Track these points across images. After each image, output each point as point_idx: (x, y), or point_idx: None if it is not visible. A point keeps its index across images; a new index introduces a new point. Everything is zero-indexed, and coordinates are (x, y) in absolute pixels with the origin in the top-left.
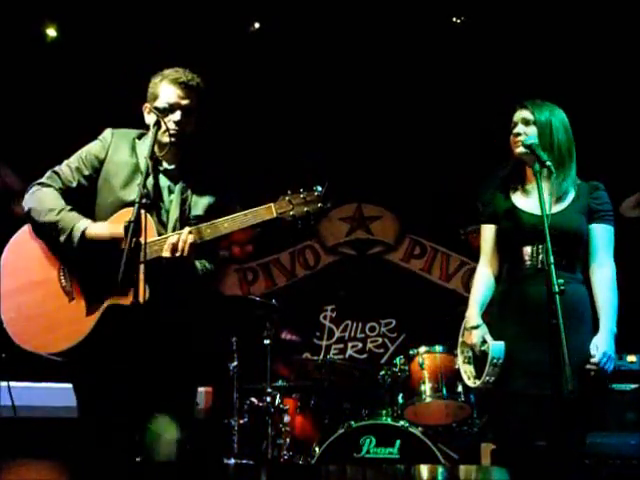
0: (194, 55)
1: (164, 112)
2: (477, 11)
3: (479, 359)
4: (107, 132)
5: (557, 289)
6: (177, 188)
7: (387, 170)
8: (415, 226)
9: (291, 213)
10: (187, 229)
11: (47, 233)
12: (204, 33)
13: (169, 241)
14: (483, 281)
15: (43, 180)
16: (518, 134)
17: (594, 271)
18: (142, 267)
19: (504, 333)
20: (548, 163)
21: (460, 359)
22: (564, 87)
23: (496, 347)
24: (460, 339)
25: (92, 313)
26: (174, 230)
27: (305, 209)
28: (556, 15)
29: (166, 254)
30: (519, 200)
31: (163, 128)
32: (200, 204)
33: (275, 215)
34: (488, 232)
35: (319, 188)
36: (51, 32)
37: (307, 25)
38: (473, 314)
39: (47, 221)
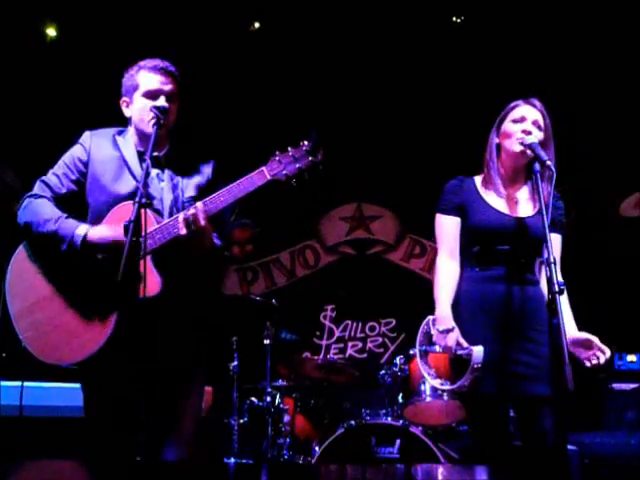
0: (194, 53)
1: (147, 98)
2: (477, 11)
3: (451, 362)
4: (85, 134)
5: (557, 289)
6: (166, 175)
7: (387, 170)
8: (415, 226)
9: (284, 172)
10: (199, 202)
11: (47, 244)
12: (204, 32)
13: (181, 218)
14: (450, 276)
15: (34, 192)
16: (530, 132)
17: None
18: (147, 260)
19: (475, 334)
20: (548, 162)
21: (420, 358)
22: (564, 86)
23: (479, 353)
24: (419, 338)
25: (108, 315)
26: (170, 216)
27: (297, 166)
28: (556, 14)
29: (183, 231)
30: (492, 198)
31: (149, 117)
32: (191, 185)
33: (269, 178)
34: (451, 223)
35: (306, 142)
36: (51, 32)
37: (307, 24)
38: (445, 315)
39: (46, 231)
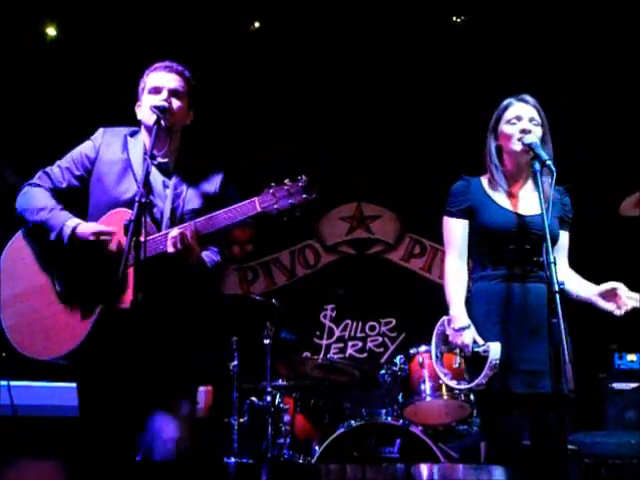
0: (194, 53)
1: (152, 94)
2: (477, 10)
3: (467, 360)
4: (98, 131)
5: (557, 288)
6: (171, 183)
7: (387, 169)
8: (415, 225)
9: (275, 206)
10: (191, 222)
11: (38, 232)
12: (204, 31)
13: (170, 235)
14: (460, 277)
15: (33, 180)
16: (529, 131)
17: (562, 272)
18: (131, 270)
19: (490, 333)
20: (549, 162)
21: (435, 360)
22: (564, 87)
23: (496, 348)
24: (434, 339)
25: (87, 316)
26: (167, 227)
27: (289, 201)
28: (556, 14)
29: (170, 249)
30: (500, 198)
31: (149, 106)
32: (196, 197)
33: (259, 210)
34: (459, 226)
35: (304, 178)
36: (51, 31)
37: (308, 24)
38: (460, 313)
39: (38, 220)
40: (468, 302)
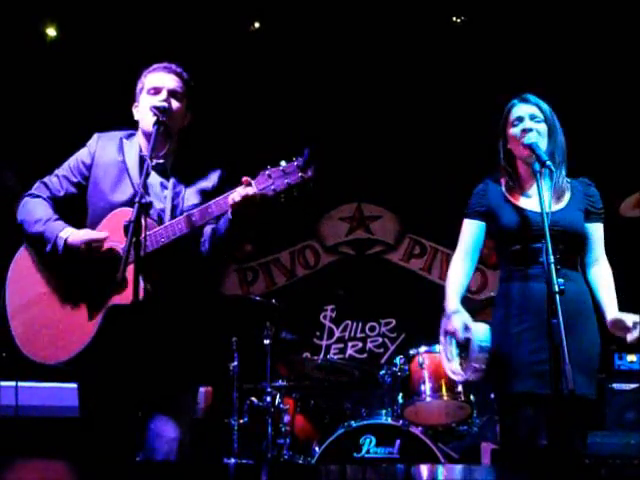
0: (194, 54)
1: (150, 95)
2: (477, 11)
3: (463, 348)
4: (93, 137)
5: (557, 289)
6: (169, 183)
7: (387, 170)
8: (415, 226)
9: (272, 188)
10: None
11: (36, 244)
12: (204, 32)
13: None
14: (460, 272)
15: (31, 191)
16: (530, 130)
17: (595, 269)
18: (131, 268)
19: (510, 333)
20: (548, 163)
21: (444, 357)
22: (565, 87)
23: (479, 329)
24: (441, 337)
25: (94, 317)
26: None
27: (286, 181)
28: (556, 14)
29: (237, 198)
30: (518, 199)
31: (149, 116)
32: (194, 194)
33: (256, 192)
34: (472, 227)
35: (299, 158)
36: (51, 32)
37: (307, 24)
38: (452, 301)
39: (34, 232)
40: (495, 303)
